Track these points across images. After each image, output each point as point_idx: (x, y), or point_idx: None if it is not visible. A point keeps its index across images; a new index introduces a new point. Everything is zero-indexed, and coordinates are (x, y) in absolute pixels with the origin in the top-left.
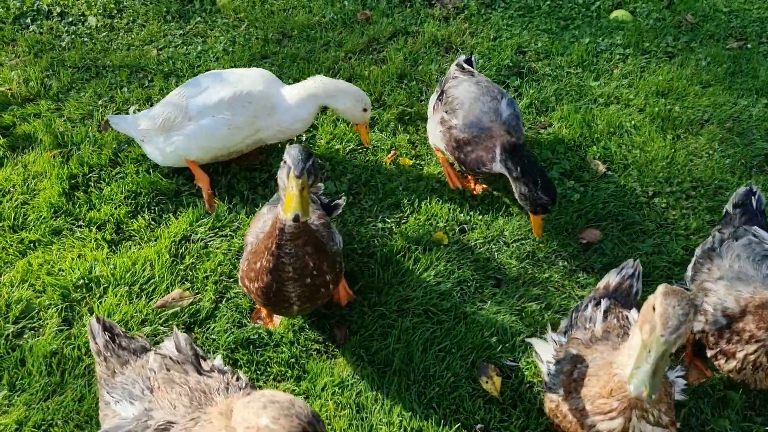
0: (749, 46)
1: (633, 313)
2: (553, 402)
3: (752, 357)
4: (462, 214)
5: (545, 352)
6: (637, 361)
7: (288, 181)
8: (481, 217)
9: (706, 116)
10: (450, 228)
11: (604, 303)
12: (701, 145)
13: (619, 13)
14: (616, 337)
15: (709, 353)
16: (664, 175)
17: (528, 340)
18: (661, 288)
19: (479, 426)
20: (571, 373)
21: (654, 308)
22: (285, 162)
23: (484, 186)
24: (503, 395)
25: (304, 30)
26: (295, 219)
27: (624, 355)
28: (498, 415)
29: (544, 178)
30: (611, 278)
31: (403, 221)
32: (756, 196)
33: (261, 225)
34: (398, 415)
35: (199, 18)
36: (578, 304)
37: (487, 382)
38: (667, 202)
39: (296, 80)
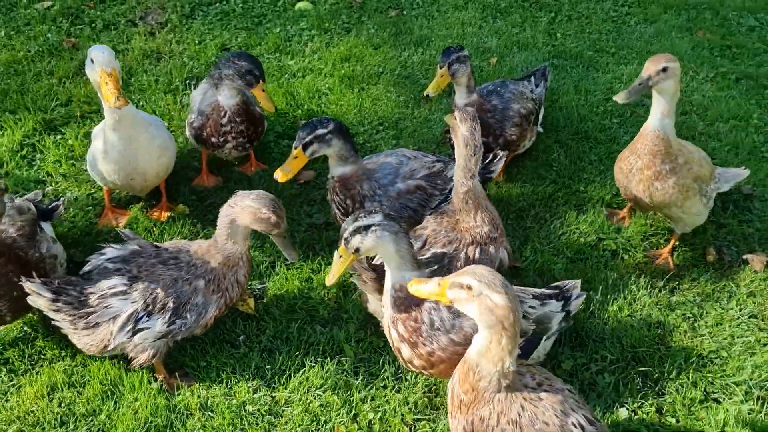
0: (404, 12)
1: None
2: None
3: None
4: None
5: None
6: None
7: None
8: None
9: (381, 69)
10: None
11: None
12: (381, 91)
13: (302, 5)
14: None
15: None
16: (358, 119)
17: None
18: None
19: (241, 337)
20: None
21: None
22: None
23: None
24: (258, 311)
25: (10, 66)
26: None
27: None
28: (254, 326)
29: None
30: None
31: None
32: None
33: None
34: None
35: None
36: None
37: (242, 305)
38: (363, 138)
39: (12, 113)
